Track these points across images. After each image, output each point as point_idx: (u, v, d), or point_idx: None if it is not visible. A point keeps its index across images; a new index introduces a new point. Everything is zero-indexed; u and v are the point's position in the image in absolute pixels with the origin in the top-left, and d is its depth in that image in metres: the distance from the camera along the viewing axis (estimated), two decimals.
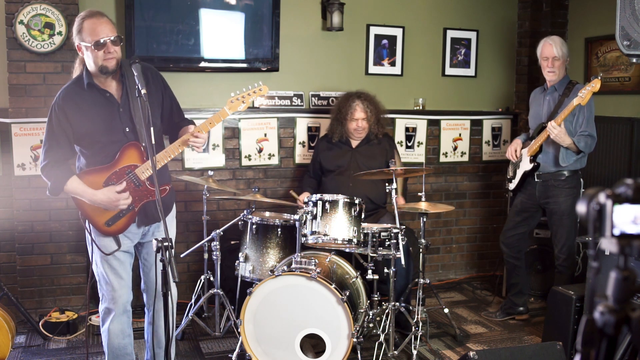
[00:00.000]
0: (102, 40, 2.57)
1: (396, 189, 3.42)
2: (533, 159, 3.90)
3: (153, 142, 2.47)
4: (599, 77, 3.48)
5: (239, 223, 3.66)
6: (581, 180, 3.94)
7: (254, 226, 3.58)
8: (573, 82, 3.86)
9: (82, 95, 2.69)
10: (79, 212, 2.79)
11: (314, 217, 3.37)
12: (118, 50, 2.64)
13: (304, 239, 3.37)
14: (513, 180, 4.12)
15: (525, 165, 3.95)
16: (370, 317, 3.46)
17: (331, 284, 3.12)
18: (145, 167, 2.72)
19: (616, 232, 0.96)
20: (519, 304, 4.22)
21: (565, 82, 3.87)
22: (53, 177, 2.69)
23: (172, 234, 2.96)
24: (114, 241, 2.79)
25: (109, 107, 2.70)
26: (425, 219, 3.79)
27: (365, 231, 3.38)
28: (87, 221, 2.78)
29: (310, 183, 4.20)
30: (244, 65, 4.45)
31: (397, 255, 3.33)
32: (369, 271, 3.39)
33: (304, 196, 3.80)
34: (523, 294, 4.22)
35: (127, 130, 2.72)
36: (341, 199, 3.39)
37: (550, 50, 3.79)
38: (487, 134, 5.24)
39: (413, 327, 3.55)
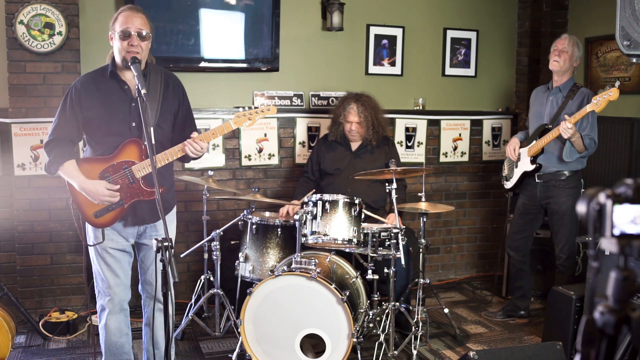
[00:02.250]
0: (129, 32, 2.63)
1: (396, 189, 3.41)
2: (534, 160, 3.90)
3: (153, 142, 2.47)
4: (617, 86, 3.40)
5: (239, 223, 3.66)
6: (581, 180, 3.94)
7: (254, 226, 3.58)
8: (577, 85, 3.87)
9: (101, 81, 2.75)
10: (71, 199, 2.79)
11: (314, 217, 3.37)
12: (144, 46, 2.68)
13: (304, 239, 3.37)
14: (510, 179, 4.12)
15: (526, 166, 3.95)
16: (370, 317, 3.45)
17: (331, 284, 3.12)
18: (142, 165, 2.72)
19: (616, 232, 0.96)
20: (522, 308, 4.21)
21: (570, 84, 3.88)
22: (53, 154, 2.72)
23: (172, 236, 2.96)
24: (100, 233, 2.79)
25: (123, 98, 2.74)
26: (425, 219, 3.79)
27: (365, 231, 3.38)
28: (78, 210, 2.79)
29: (304, 188, 4.04)
30: (244, 65, 4.45)
31: (397, 255, 3.33)
32: (369, 271, 3.39)
33: (287, 208, 3.77)
34: (526, 298, 4.22)
35: (133, 125, 2.74)
36: (341, 199, 3.39)
37: (563, 42, 3.84)
38: (487, 134, 5.24)
39: (413, 327, 3.55)
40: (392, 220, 3.63)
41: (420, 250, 3.80)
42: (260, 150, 4.59)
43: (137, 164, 2.72)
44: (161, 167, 2.75)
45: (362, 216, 3.44)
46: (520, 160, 4.01)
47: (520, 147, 4.02)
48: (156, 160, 2.67)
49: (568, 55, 3.82)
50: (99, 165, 2.72)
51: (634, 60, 2.71)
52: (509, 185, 4.14)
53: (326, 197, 3.40)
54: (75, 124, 2.74)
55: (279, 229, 3.57)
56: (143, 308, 3.03)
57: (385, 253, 3.36)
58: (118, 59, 2.71)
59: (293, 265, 3.25)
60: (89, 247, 2.86)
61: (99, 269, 2.85)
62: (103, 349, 2.94)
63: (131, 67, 2.59)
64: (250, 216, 3.61)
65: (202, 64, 4.34)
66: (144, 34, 2.67)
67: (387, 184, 3.48)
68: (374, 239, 3.36)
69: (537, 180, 3.94)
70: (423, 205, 3.69)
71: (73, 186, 2.75)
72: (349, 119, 3.97)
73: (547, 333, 3.58)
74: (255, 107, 2.94)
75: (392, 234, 3.37)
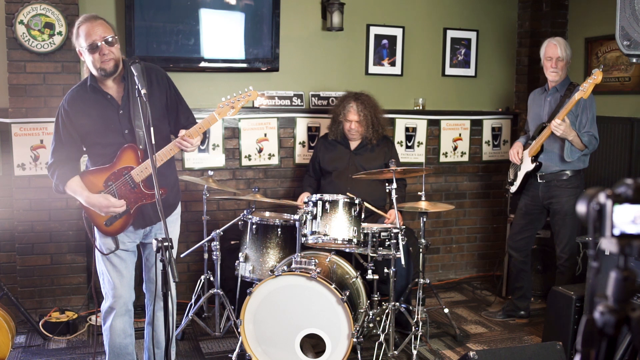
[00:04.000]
0: (96, 43, 2.60)
1: (396, 189, 3.41)
2: (534, 158, 3.90)
3: (153, 142, 2.47)
4: (600, 69, 3.49)
5: (239, 223, 3.66)
6: (583, 180, 3.94)
7: (254, 226, 3.58)
8: (574, 84, 3.87)
9: (86, 97, 2.74)
10: (82, 211, 2.84)
11: (314, 217, 3.37)
12: (114, 51, 2.65)
13: (304, 239, 3.37)
14: (515, 183, 4.12)
15: (527, 166, 3.95)
16: (370, 317, 3.45)
17: (331, 284, 3.11)
18: (140, 169, 2.72)
19: (616, 232, 0.96)
20: (522, 308, 4.21)
21: (567, 84, 3.88)
22: (56, 176, 2.76)
23: (175, 235, 3.01)
24: (113, 241, 2.82)
25: (109, 109, 2.74)
26: (425, 219, 3.79)
27: (365, 231, 3.38)
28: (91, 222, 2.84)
29: (310, 182, 4.20)
30: (244, 65, 4.45)
31: (397, 255, 3.33)
32: (369, 271, 3.39)
33: (304, 196, 3.81)
34: (526, 298, 4.22)
35: (126, 132, 2.74)
36: (341, 199, 3.39)
37: (555, 51, 3.81)
38: (487, 134, 5.24)
39: (413, 327, 3.55)
40: (393, 216, 3.63)
41: (420, 250, 3.80)
42: (260, 150, 4.59)
43: (135, 168, 2.73)
44: (161, 166, 2.74)
45: (363, 214, 3.45)
46: (523, 162, 4.02)
47: (524, 150, 4.02)
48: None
49: (564, 62, 3.83)
50: (101, 175, 2.75)
51: (634, 60, 2.71)
52: (513, 189, 4.13)
53: (326, 197, 3.40)
54: (71, 142, 2.76)
55: (279, 229, 3.57)
56: (146, 307, 3.04)
57: (385, 253, 3.36)
58: (95, 72, 2.68)
59: (293, 265, 3.25)
60: (96, 249, 2.88)
61: (104, 269, 2.86)
62: (107, 350, 2.95)
63: (131, 67, 2.58)
64: (250, 216, 3.61)
65: (202, 64, 4.34)
66: (110, 39, 2.63)
67: (387, 184, 3.48)
68: (374, 239, 3.36)
69: (539, 181, 3.94)
70: (423, 205, 3.69)
71: None
72: (348, 118, 3.97)
73: (547, 333, 3.58)
74: (236, 94, 2.84)
75: (392, 234, 3.37)
